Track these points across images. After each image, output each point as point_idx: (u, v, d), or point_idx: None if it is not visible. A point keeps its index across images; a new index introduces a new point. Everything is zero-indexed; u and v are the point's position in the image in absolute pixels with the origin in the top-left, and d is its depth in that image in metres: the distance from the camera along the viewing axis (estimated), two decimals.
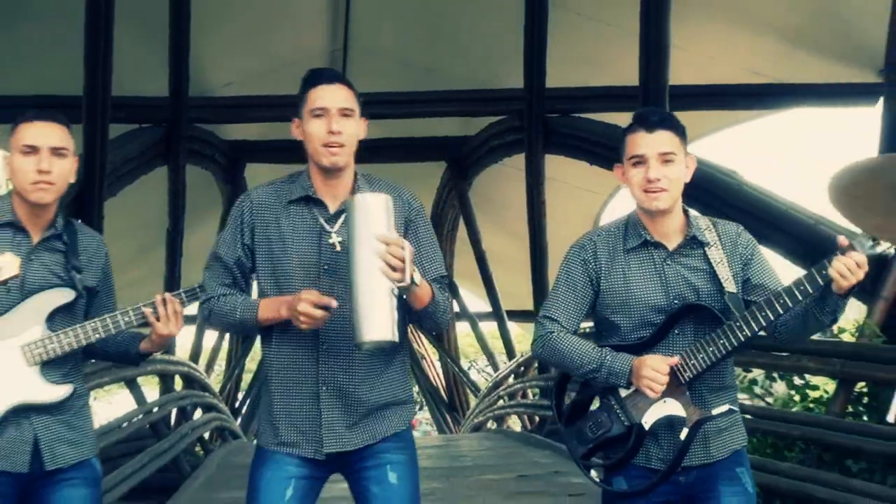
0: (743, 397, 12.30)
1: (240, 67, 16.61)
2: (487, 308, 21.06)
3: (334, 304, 3.62)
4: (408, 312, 3.84)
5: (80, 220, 11.89)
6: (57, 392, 4.10)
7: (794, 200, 11.48)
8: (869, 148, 10.24)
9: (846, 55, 12.84)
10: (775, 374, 10.36)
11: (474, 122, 17.74)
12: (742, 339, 3.59)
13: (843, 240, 3.47)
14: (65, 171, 4.05)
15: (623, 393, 3.79)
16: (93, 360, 5.50)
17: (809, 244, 9.86)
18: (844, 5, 12.47)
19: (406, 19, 17.38)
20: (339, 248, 3.79)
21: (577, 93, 14.64)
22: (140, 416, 12.26)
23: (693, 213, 3.90)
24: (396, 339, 3.57)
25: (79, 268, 4.19)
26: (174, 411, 15.00)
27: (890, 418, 3.66)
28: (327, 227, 3.87)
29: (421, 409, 34.14)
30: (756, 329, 3.60)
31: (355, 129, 3.82)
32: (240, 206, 4.04)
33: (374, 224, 3.51)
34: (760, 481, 8.90)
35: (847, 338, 10.97)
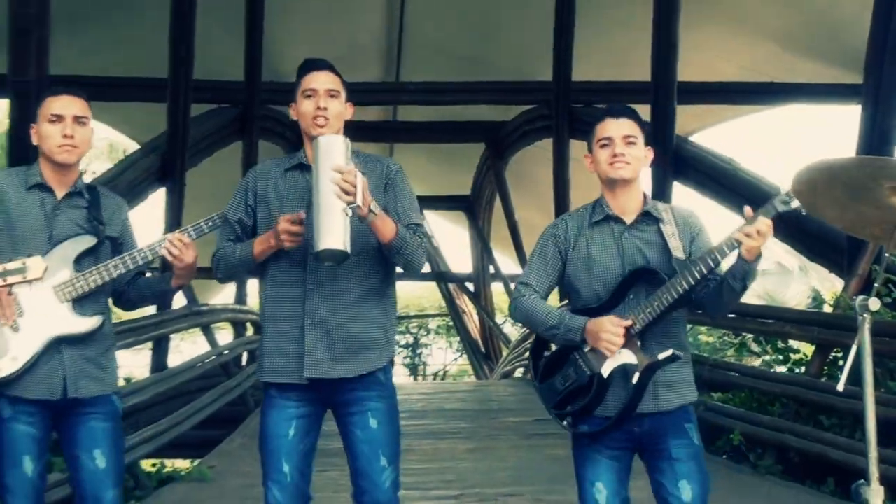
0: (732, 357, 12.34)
1: (306, 56, 16.53)
2: (518, 270, 20.98)
3: (303, 214, 3.79)
4: (382, 255, 4.01)
5: (164, 186, 11.88)
6: (87, 323, 4.15)
7: (783, 185, 11.44)
8: (851, 143, 10.14)
9: (835, 58, 12.72)
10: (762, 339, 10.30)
11: (510, 109, 17.62)
12: (680, 291, 3.69)
13: (748, 210, 3.64)
14: (86, 136, 4.24)
15: (586, 349, 3.84)
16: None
17: (793, 223, 9.82)
18: (836, 13, 12.35)
19: (453, 17, 17.31)
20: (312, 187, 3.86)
21: (598, 86, 14.59)
22: (213, 358, 12.37)
23: (651, 199, 4.04)
24: (347, 250, 3.67)
25: (100, 220, 4.24)
26: (244, 354, 15.06)
27: (840, 387, 3.62)
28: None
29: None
30: (691, 282, 3.68)
31: (341, 109, 4.07)
32: (247, 176, 4.30)
33: (333, 158, 3.70)
34: (744, 431, 8.93)
35: (826, 309, 10.95)
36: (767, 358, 10.25)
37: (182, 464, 9.81)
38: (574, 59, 14.29)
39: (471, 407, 13.65)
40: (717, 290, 3.78)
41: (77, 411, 4.15)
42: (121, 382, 10.68)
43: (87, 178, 4.69)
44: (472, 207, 23.13)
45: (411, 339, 31.07)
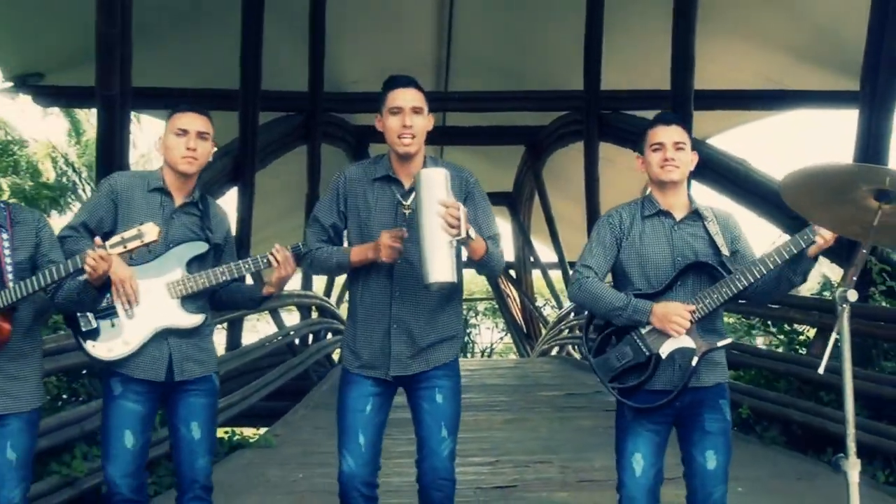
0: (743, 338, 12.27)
1: (365, 69, 16.62)
2: (555, 259, 20.92)
3: (405, 233, 3.81)
4: (466, 263, 3.99)
5: (236, 186, 11.84)
6: (193, 320, 4.20)
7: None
8: (851, 145, 10.06)
9: (841, 67, 12.58)
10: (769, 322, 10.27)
11: (546, 115, 17.60)
12: (741, 287, 3.78)
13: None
14: (206, 150, 4.26)
15: (643, 330, 3.86)
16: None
17: (802, 222, 9.73)
18: (839, 27, 12.21)
19: (495, 33, 17.32)
20: (408, 213, 3.95)
21: (624, 94, 14.54)
22: (280, 338, 12.47)
23: (696, 198, 4.06)
24: (456, 280, 3.72)
25: (210, 228, 4.30)
26: (309, 335, 15.10)
27: (820, 370, 3.60)
28: (402, 200, 4.02)
29: None
30: (752, 280, 3.77)
31: (424, 123, 4.00)
32: (336, 180, 4.21)
33: (436, 191, 3.65)
34: (752, 405, 8.87)
35: (827, 296, 10.83)
36: (774, 339, 10.20)
37: (250, 432, 9.90)
38: (602, 69, 14.25)
39: (509, 382, 13.66)
40: (776, 282, 3.85)
41: (182, 388, 4.20)
42: None
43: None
44: (514, 203, 23.12)
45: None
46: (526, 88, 16.53)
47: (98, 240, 3.72)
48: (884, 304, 8.90)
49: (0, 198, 14.54)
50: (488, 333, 35.00)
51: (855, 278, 3.55)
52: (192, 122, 4.19)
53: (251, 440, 9.31)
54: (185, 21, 14.19)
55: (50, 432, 6.03)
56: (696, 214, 3.98)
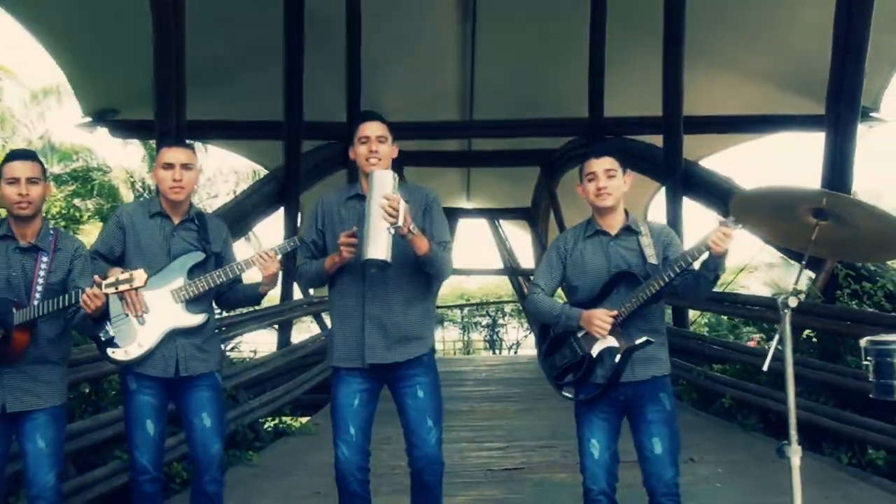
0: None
1: (398, 101, 16.66)
2: None
3: (356, 229, 3.92)
4: (419, 265, 4.07)
5: (282, 206, 11.87)
6: (196, 319, 4.28)
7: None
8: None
9: (817, 95, 12.42)
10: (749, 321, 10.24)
11: (558, 139, 17.52)
12: (656, 289, 3.82)
13: (720, 218, 3.71)
14: (192, 179, 4.35)
15: (579, 334, 3.94)
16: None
17: None
18: (817, 58, 11.99)
19: (513, 67, 17.34)
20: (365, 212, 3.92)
21: (624, 120, 14.45)
22: (323, 338, 12.55)
23: (632, 214, 4.11)
24: (388, 259, 3.79)
25: (207, 240, 4.37)
26: None
27: (764, 367, 3.63)
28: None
29: None
30: (664, 282, 3.81)
31: (388, 150, 4.17)
32: (315, 206, 4.37)
33: (383, 188, 3.77)
34: (734, 396, 8.86)
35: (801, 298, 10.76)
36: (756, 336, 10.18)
37: (295, 421, 9.97)
38: (605, 99, 14.20)
39: (523, 376, 13.66)
40: (695, 281, 3.87)
41: (188, 384, 4.27)
42: (247, 355, 10.97)
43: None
44: (533, 217, 23.04)
45: (490, 321, 30.92)
46: (540, 116, 16.46)
47: (97, 278, 3.85)
48: (853, 305, 8.85)
49: (81, 218, 14.63)
50: (514, 332, 34.99)
51: (797, 286, 3.54)
52: (177, 155, 4.28)
53: (294, 428, 9.38)
54: (237, 62, 14.28)
55: (110, 424, 6.14)
56: (629, 230, 4.05)
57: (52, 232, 4.13)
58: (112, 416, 6.26)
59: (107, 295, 3.82)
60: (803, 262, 3.62)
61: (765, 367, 3.63)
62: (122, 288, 3.80)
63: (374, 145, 4.08)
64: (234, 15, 13.10)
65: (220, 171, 24.31)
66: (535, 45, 16.14)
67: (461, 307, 30.49)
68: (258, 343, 16.70)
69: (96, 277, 3.83)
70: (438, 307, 27.69)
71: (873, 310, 8.42)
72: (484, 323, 31.43)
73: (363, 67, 14.30)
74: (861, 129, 13.58)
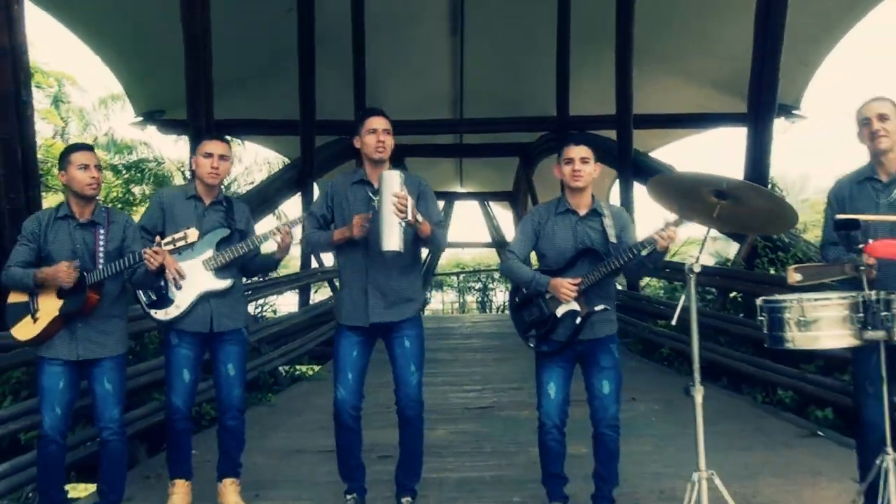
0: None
1: (399, 101, 16.56)
2: None
3: (370, 215, 3.93)
4: (420, 243, 4.10)
5: (299, 191, 11.77)
6: (224, 283, 4.31)
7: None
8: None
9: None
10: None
11: (534, 134, 17.44)
12: (615, 266, 3.80)
13: (669, 218, 3.64)
14: (226, 168, 4.38)
15: (547, 297, 3.92)
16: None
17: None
18: (748, 64, 11.95)
19: (497, 70, 17.28)
20: (376, 206, 3.95)
21: (587, 118, 14.29)
22: (333, 301, 12.53)
23: (597, 198, 4.09)
24: (401, 249, 3.83)
25: (233, 219, 4.39)
26: None
27: (673, 322, 3.63)
28: (372, 196, 4.07)
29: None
30: (620, 263, 3.79)
31: (391, 142, 4.09)
32: (327, 186, 4.31)
33: (392, 186, 3.76)
34: (672, 346, 8.88)
35: (728, 265, 10.74)
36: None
37: (309, 370, 10.01)
38: (570, 100, 14.13)
39: (502, 331, 13.63)
40: (638, 266, 3.89)
41: (220, 338, 4.33)
42: (270, 314, 10.99)
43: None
44: (514, 199, 22.99)
45: (482, 286, 30.87)
46: (518, 114, 16.44)
47: (158, 238, 3.95)
48: (771, 271, 8.85)
49: (134, 202, 14.64)
50: (502, 294, 35.04)
51: (699, 254, 3.55)
52: (216, 147, 4.33)
53: (307, 375, 9.41)
54: (260, 70, 14.24)
55: (148, 372, 6.16)
56: (595, 212, 4.01)
57: (104, 210, 4.19)
58: (150, 364, 6.29)
59: (165, 254, 3.92)
60: (706, 234, 3.61)
61: (673, 321, 3.61)
62: (178, 244, 3.90)
63: (382, 136, 4.07)
64: (256, 30, 13.03)
65: (256, 162, 24.37)
66: (513, 54, 16.12)
67: (457, 274, 30.42)
68: (283, 304, 16.77)
69: (157, 238, 3.95)
70: (438, 274, 27.72)
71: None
72: (476, 287, 31.35)
73: (369, 74, 14.23)
74: (785, 124, 13.61)
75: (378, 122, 4.09)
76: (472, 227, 31.74)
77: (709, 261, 20.21)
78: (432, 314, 25.14)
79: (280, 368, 8.94)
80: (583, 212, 4.01)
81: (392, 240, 3.79)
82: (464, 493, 4.77)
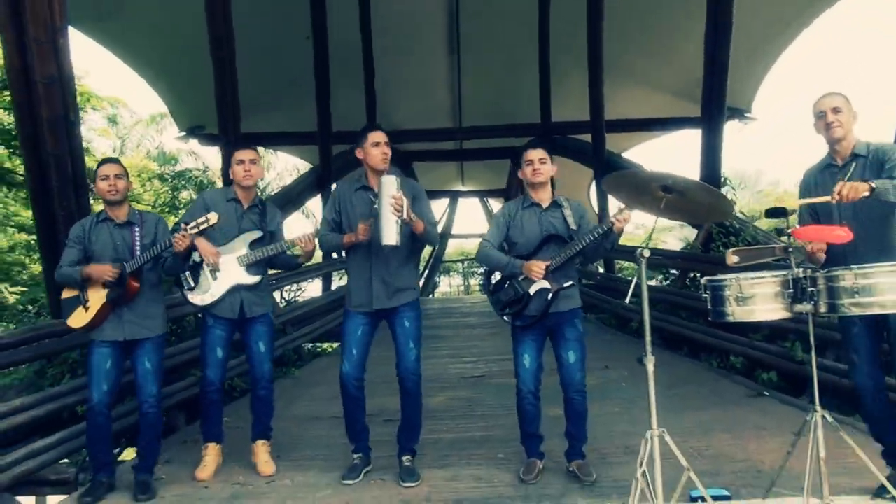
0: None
1: (406, 112, 16.61)
2: None
3: (371, 222, 3.91)
4: (416, 240, 4.07)
5: (320, 193, 11.63)
6: (253, 279, 4.30)
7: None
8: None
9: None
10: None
11: (523, 139, 17.26)
12: (576, 250, 3.81)
13: (622, 204, 3.65)
14: (258, 171, 4.36)
15: (520, 278, 3.91)
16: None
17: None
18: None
19: (488, 86, 17.13)
20: (377, 208, 3.91)
21: (566, 124, 14.24)
22: None
23: (557, 193, 4.07)
24: (398, 244, 3.83)
25: (266, 221, 4.36)
26: None
27: (626, 301, 3.60)
28: (373, 200, 4.02)
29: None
30: (583, 245, 3.80)
31: (390, 152, 4.04)
32: (334, 192, 4.30)
33: (390, 189, 3.75)
34: (640, 320, 8.76)
35: (687, 249, 10.67)
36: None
37: (328, 347, 10.02)
38: (552, 108, 14.05)
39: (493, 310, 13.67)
40: (596, 248, 3.87)
41: (251, 322, 4.34)
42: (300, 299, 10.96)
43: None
44: (507, 196, 22.94)
45: (483, 270, 30.76)
46: (508, 122, 16.30)
47: (183, 225, 3.98)
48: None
49: (179, 206, 14.66)
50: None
51: (647, 238, 3.50)
52: (246, 154, 4.34)
53: (328, 351, 9.41)
54: (284, 88, 14.19)
55: (187, 351, 6.17)
56: (556, 204, 4.03)
57: (137, 212, 4.25)
58: (189, 344, 6.31)
59: (192, 235, 3.97)
60: (655, 223, 3.59)
61: (626, 301, 3.56)
62: (202, 227, 3.96)
63: (385, 148, 4.05)
64: (280, 55, 12.99)
65: (286, 168, 24.57)
66: (502, 70, 16.03)
67: (462, 261, 30.36)
68: (312, 290, 16.85)
69: (183, 224, 4.00)
70: (445, 262, 27.69)
71: None
72: (480, 272, 31.27)
73: (379, 90, 14.15)
74: (738, 125, 13.49)
75: (380, 136, 4.07)
76: (474, 221, 31.78)
77: (678, 245, 20.16)
78: (442, 296, 25.14)
79: (304, 346, 8.94)
80: (545, 204, 4.03)
81: (390, 235, 3.79)
82: (456, 451, 4.77)
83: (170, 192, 15.40)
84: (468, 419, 5.64)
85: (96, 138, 15.41)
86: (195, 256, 4.25)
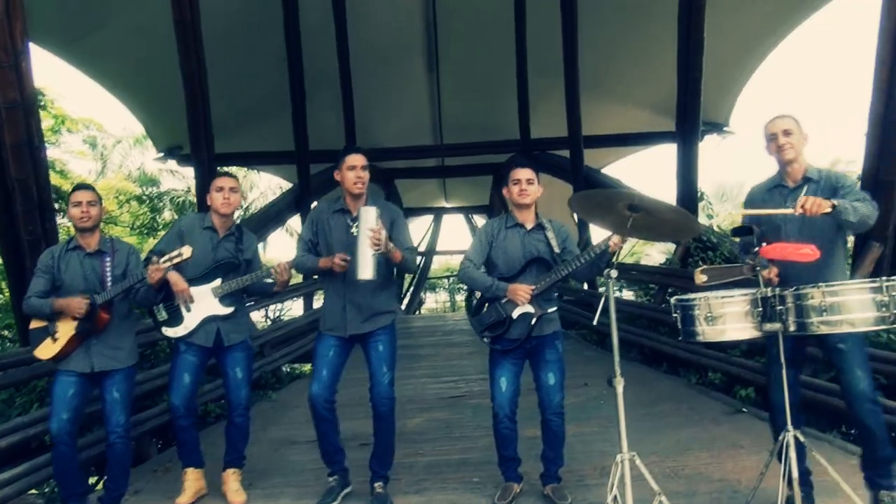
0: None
1: (387, 132, 16.59)
2: None
3: (348, 257, 3.85)
4: (393, 266, 4.01)
5: (298, 212, 11.53)
6: (227, 310, 4.23)
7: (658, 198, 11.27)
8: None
9: None
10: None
11: (504, 155, 17.27)
12: (563, 274, 3.77)
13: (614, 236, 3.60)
14: (237, 199, 4.33)
15: (503, 301, 3.86)
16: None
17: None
18: None
19: (469, 100, 17.10)
20: (355, 234, 3.89)
21: (546, 140, 14.25)
22: None
23: (541, 214, 4.04)
24: (375, 278, 3.79)
25: (242, 250, 4.32)
26: None
27: (594, 322, 3.57)
28: (350, 223, 3.99)
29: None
30: (570, 269, 3.77)
31: (367, 176, 3.99)
32: (311, 214, 4.24)
33: (369, 222, 3.71)
34: (621, 336, 8.69)
35: (666, 264, 10.66)
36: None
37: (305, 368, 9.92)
38: (531, 125, 14.08)
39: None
40: (590, 268, 3.81)
41: (228, 349, 4.28)
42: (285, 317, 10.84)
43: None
44: (490, 212, 22.95)
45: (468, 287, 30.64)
46: (489, 139, 16.32)
47: (155, 258, 3.90)
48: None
49: (157, 228, 14.53)
50: None
51: (615, 261, 3.48)
52: (225, 182, 4.32)
53: (307, 373, 9.31)
54: (263, 107, 14.11)
55: (160, 376, 6.08)
56: (539, 226, 3.99)
57: (109, 240, 4.19)
58: (161, 370, 6.20)
59: (165, 270, 3.92)
60: (623, 242, 3.56)
61: (594, 322, 3.53)
62: (175, 261, 3.93)
63: (360, 172, 4.00)
64: (257, 72, 12.93)
65: (270, 187, 24.49)
66: (481, 87, 16.03)
67: (447, 277, 30.28)
68: (296, 309, 16.71)
69: (154, 258, 3.94)
70: (431, 278, 27.59)
71: None
72: (465, 288, 31.15)
73: (359, 107, 14.09)
74: (717, 139, 13.59)
75: (357, 160, 4.02)
76: (459, 237, 31.73)
77: (661, 258, 20.20)
78: (428, 312, 25.07)
79: (282, 368, 8.85)
80: (529, 226, 3.98)
81: (366, 270, 3.76)
82: (431, 475, 4.71)
83: (148, 213, 15.29)
84: (445, 441, 5.58)
85: (73, 160, 15.32)
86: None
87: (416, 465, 4.93)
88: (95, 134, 16.81)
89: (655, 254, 22.22)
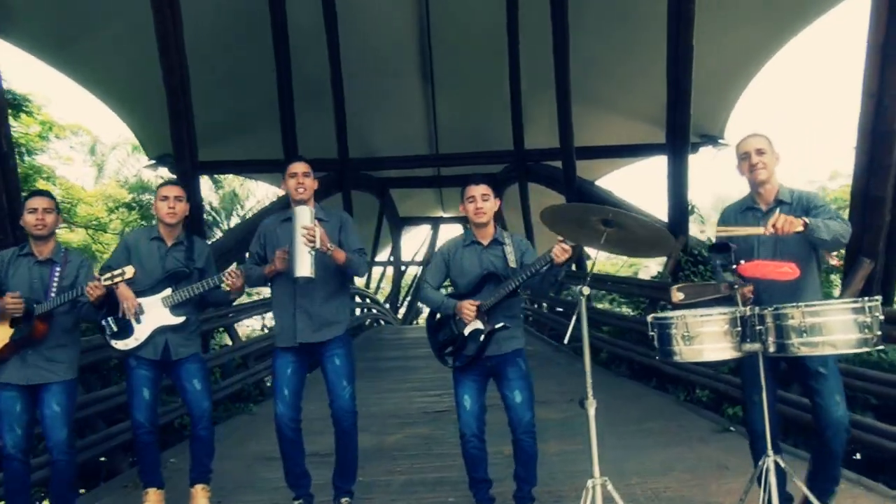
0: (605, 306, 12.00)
1: (383, 142, 16.56)
2: None
3: (286, 248, 3.82)
4: (342, 269, 3.96)
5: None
6: (178, 319, 4.11)
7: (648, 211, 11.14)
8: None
9: None
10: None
11: (499, 165, 17.32)
12: (511, 288, 3.66)
13: (559, 239, 3.46)
14: (183, 208, 4.18)
15: (456, 318, 3.78)
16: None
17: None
18: None
19: (464, 110, 17.16)
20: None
21: (539, 151, 14.24)
22: None
23: (499, 228, 3.95)
24: (312, 275, 3.72)
25: (193, 258, 4.20)
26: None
27: (565, 341, 3.45)
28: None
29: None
30: (518, 283, 3.64)
31: (311, 183, 3.96)
32: (259, 228, 4.19)
33: (303, 220, 3.74)
34: (610, 351, 8.62)
35: (656, 278, 10.55)
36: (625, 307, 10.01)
37: None
38: (525, 136, 14.02)
39: None
40: (541, 282, 3.71)
41: (180, 363, 4.15)
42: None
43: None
44: None
45: None
46: (483, 149, 16.34)
47: (96, 274, 3.87)
48: (694, 281, 8.68)
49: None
50: None
51: (589, 275, 3.35)
52: (171, 191, 4.19)
53: None
54: (255, 115, 14.08)
55: (121, 394, 5.93)
56: (496, 242, 3.92)
57: (62, 250, 4.08)
58: (120, 388, 6.06)
59: (106, 287, 3.81)
60: (595, 256, 3.45)
61: (565, 340, 3.40)
62: (116, 280, 3.81)
63: (301, 179, 3.97)
64: (249, 80, 12.89)
65: (267, 195, 24.57)
66: (476, 98, 16.10)
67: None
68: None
69: (95, 273, 3.86)
70: None
71: None
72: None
73: (354, 117, 14.12)
74: (712, 151, 13.52)
75: (298, 167, 4.01)
76: None
77: (653, 271, 20.15)
78: (425, 322, 24.92)
79: (265, 380, 8.70)
80: (486, 242, 3.91)
81: (303, 267, 3.71)
82: (406, 495, 4.58)
83: (140, 220, 15.18)
84: (424, 458, 5.45)
85: (62, 167, 15.26)
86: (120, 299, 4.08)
87: (392, 484, 4.80)
88: (94, 141, 16.74)
89: (654, 266, 22.14)
